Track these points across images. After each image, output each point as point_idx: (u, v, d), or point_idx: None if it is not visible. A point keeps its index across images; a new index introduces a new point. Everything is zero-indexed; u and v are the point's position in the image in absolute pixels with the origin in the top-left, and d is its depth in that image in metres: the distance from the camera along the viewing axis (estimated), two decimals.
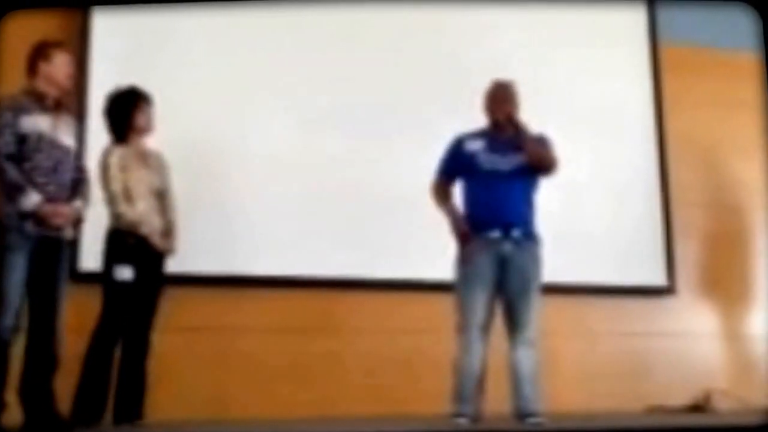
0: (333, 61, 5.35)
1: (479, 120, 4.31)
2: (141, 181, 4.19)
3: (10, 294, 3.73)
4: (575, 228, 5.60)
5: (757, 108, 6.01)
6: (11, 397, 3.77)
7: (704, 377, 5.51)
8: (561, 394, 5.31)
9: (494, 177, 4.12)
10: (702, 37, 5.92)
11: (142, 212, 4.15)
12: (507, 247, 4.04)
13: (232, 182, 5.09)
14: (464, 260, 4.08)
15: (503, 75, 5.39)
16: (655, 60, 6.10)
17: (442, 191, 4.26)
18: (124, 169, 4.15)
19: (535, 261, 4.12)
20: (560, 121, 5.60)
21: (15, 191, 3.77)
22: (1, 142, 3.80)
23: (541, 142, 4.22)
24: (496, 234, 4.05)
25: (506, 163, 4.15)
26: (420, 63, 5.52)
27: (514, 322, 4.04)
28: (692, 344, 5.79)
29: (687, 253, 5.97)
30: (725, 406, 5.21)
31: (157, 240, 4.18)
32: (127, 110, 4.23)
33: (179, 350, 4.67)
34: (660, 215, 5.94)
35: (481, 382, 4.02)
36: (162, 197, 4.30)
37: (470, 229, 4.10)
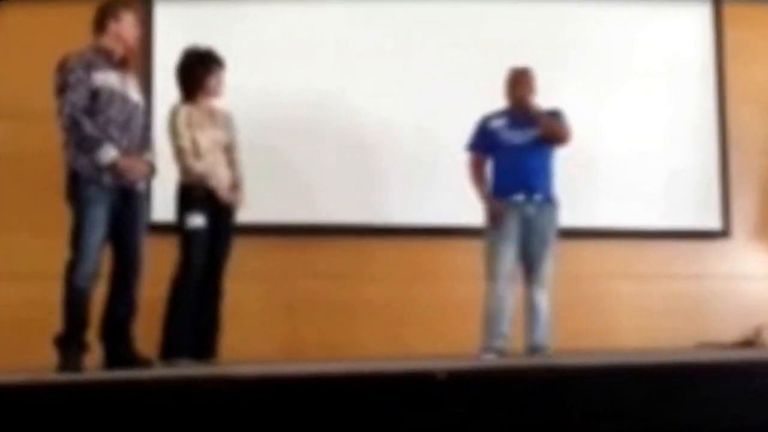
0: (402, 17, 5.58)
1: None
2: (208, 137, 4.37)
3: (90, 244, 3.86)
4: (632, 173, 5.80)
5: None
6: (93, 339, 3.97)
7: (755, 315, 5.63)
8: (616, 331, 5.58)
9: (515, 150, 4.75)
10: None
11: (210, 166, 4.34)
12: (530, 210, 4.69)
13: (299, 135, 5.36)
14: (495, 221, 4.69)
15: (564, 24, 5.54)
16: (717, 14, 6.14)
17: (475, 168, 4.86)
18: (191, 125, 4.33)
19: (551, 222, 4.75)
20: (619, 68, 5.87)
21: (92, 145, 3.88)
22: (75, 97, 3.89)
23: (555, 116, 4.81)
24: (520, 198, 4.69)
25: (524, 137, 4.75)
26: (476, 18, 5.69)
27: (533, 271, 4.69)
28: (745, 285, 5.90)
29: (743, 197, 6.06)
30: None
31: (224, 193, 4.36)
32: (200, 72, 4.40)
33: (251, 295, 4.97)
34: (717, 160, 6.03)
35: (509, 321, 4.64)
36: (229, 152, 4.48)
37: (498, 195, 4.73)
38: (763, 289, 5.92)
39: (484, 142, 4.87)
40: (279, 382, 3.22)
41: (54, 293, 3.85)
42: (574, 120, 4.78)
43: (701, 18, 6.14)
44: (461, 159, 4.93)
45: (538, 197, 4.72)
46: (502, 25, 5.70)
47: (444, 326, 5.28)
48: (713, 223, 6.00)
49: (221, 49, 4.50)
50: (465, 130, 4.91)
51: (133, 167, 3.99)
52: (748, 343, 5.41)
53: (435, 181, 5.47)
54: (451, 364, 3.54)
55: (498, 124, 4.85)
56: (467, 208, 4.94)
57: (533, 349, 4.59)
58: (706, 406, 3.29)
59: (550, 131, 4.75)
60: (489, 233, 4.73)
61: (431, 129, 5.51)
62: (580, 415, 3.23)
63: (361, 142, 5.47)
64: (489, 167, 4.88)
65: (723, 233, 6.00)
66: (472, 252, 4.84)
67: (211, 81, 4.42)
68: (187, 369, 3.98)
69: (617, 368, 3.60)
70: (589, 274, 5.65)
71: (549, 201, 4.76)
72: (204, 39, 4.53)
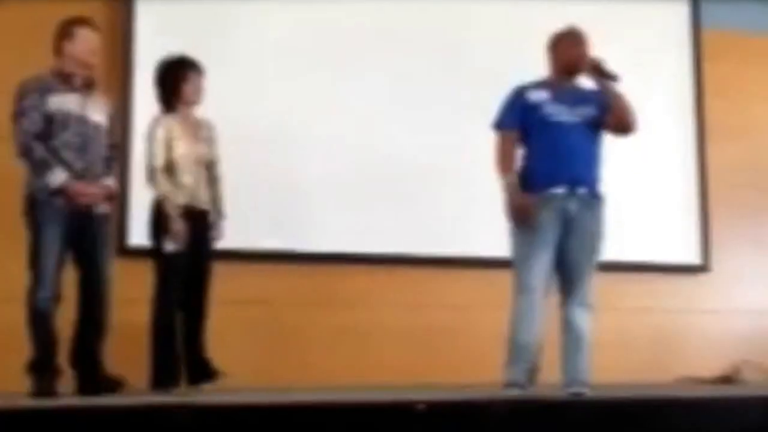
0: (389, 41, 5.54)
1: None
2: (189, 153, 4.18)
3: (46, 266, 3.84)
4: (612, 206, 5.74)
5: None
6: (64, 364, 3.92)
7: (735, 351, 5.63)
8: (594, 365, 5.55)
9: (561, 130, 3.83)
10: (744, 23, 6.10)
11: (189, 185, 4.16)
12: (572, 206, 3.80)
13: (281, 159, 5.25)
14: (525, 219, 3.76)
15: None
16: (696, 46, 6.17)
17: (507, 147, 3.89)
18: (171, 140, 4.13)
19: (599, 222, 3.88)
20: None
21: (42, 169, 3.86)
22: (27, 122, 3.87)
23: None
24: (561, 190, 3.79)
25: (574, 114, 3.87)
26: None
27: (573, 284, 3.80)
28: (724, 320, 5.92)
29: (723, 232, 6.06)
30: (755, 378, 5.32)
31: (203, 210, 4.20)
32: (176, 80, 4.20)
33: (229, 322, 4.81)
34: (696, 195, 6.06)
35: (539, 349, 3.82)
36: (210, 168, 4.30)
37: (532, 186, 3.81)
38: (743, 324, 5.94)
39: (520, 117, 3.88)
40: (260, 411, 3.18)
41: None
42: None
43: (681, 54, 6.18)
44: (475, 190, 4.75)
45: (583, 191, 3.82)
46: (472, 40, 5.66)
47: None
48: (693, 257, 6.02)
49: (203, 55, 4.34)
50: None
51: (85, 191, 3.94)
52: (726, 379, 5.37)
53: (436, 209, 5.44)
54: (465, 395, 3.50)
55: (540, 96, 3.88)
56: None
57: (573, 385, 3.73)
58: None
59: (622, 111, 3.81)
60: (518, 235, 3.81)
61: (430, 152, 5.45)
62: None
63: (350, 169, 5.38)
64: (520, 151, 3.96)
65: (703, 268, 6.01)
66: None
67: (188, 89, 4.23)
68: (162, 396, 3.86)
69: (597, 402, 3.59)
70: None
71: (596, 197, 3.87)
72: (187, 46, 4.37)
